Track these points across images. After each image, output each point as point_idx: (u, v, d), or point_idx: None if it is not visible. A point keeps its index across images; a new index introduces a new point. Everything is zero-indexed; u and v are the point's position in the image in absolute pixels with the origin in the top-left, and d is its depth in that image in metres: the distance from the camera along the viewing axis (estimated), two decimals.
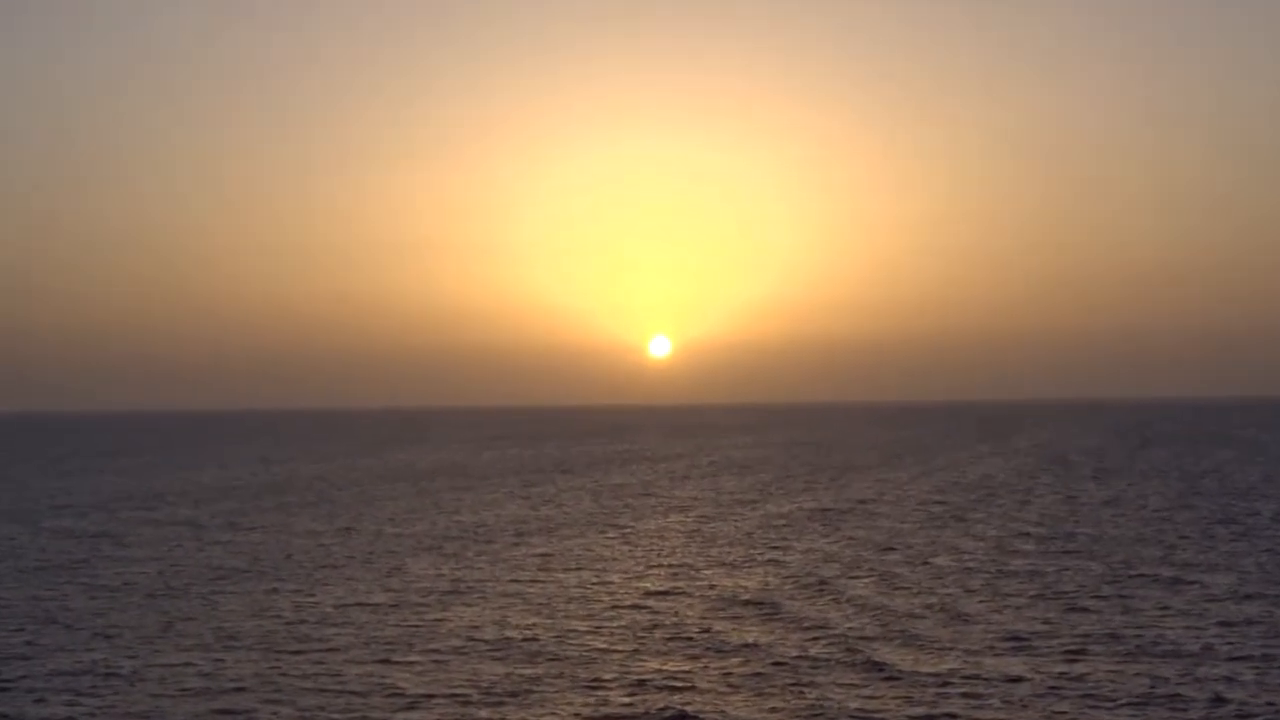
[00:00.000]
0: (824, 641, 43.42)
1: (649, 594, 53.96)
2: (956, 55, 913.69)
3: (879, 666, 39.55)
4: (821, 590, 54.41)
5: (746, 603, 51.35)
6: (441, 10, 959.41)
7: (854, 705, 35.31)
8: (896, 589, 54.60)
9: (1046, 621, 46.61)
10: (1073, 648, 42.08)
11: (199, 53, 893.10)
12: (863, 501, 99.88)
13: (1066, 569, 60.07)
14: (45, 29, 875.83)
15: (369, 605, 51.95)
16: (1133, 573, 58.58)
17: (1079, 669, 39.15)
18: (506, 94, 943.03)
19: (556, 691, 37.12)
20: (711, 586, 55.81)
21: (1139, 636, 43.84)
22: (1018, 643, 42.90)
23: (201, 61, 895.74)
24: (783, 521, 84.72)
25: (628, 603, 51.76)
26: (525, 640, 44.12)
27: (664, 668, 39.73)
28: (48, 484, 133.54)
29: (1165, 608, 49.39)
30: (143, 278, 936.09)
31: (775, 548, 69.84)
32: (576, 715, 34.57)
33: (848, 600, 51.78)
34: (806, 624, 46.62)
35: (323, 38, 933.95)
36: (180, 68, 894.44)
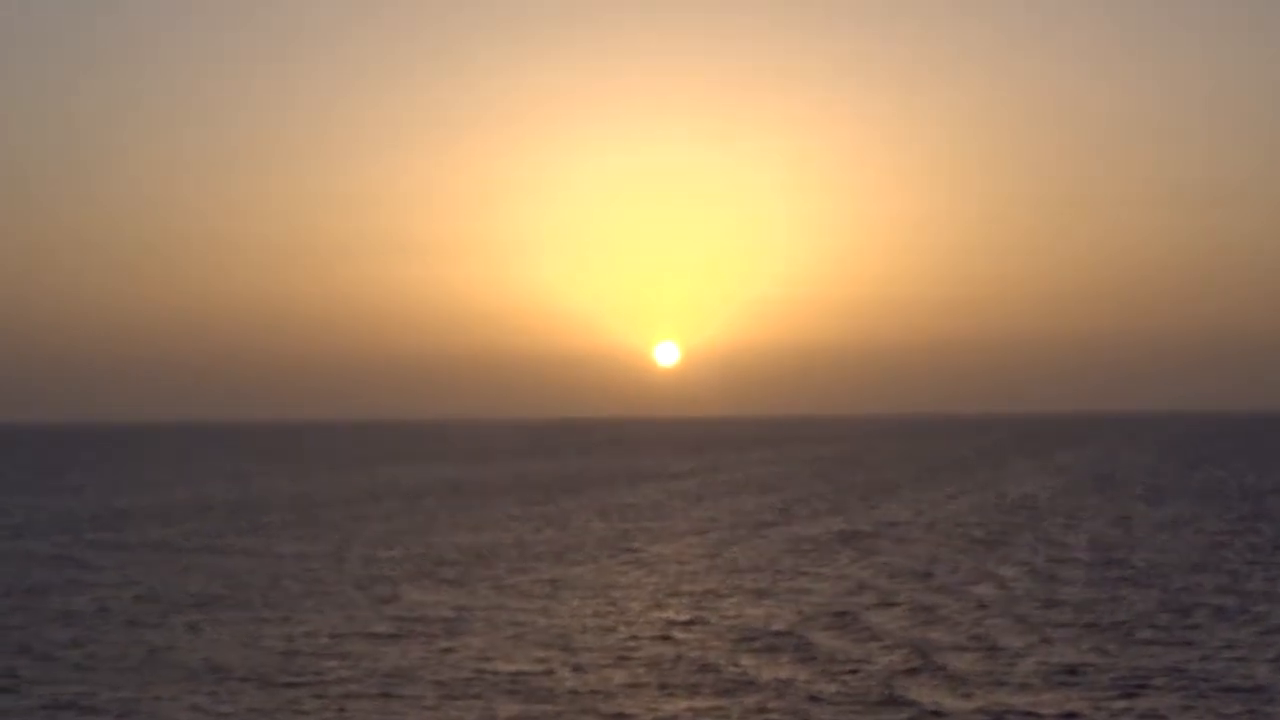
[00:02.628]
0: (862, 675, 44.16)
1: (671, 624, 54.71)
2: (964, 44, 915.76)
3: (924, 704, 40.28)
4: (856, 621, 55.15)
5: (776, 634, 52.08)
6: None
7: None
8: (936, 620, 55.34)
9: (1102, 654, 47.33)
10: (1132, 682, 42.82)
11: (181, 32, 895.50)
12: (894, 524, 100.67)
13: (1121, 598, 60.82)
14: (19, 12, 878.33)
15: (366, 635, 52.72)
16: (1194, 602, 59.31)
17: (1141, 704, 39.92)
18: (505, 83, 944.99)
19: None
20: (737, 616, 56.57)
21: (1203, 670, 44.57)
22: (1072, 677, 43.64)
23: (184, 40, 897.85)
24: (809, 545, 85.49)
25: (648, 634, 52.52)
26: (541, 673, 44.88)
27: (694, 704, 40.48)
28: None
29: (1230, 640, 50.10)
30: (109, 274, 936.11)
31: (803, 574, 70.61)
32: None
33: (884, 632, 52.50)
34: (841, 657, 47.36)
35: (321, 14, 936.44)
36: (162, 47, 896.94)
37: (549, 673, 45.04)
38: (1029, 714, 38.91)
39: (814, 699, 40.94)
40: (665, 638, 51.52)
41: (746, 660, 46.95)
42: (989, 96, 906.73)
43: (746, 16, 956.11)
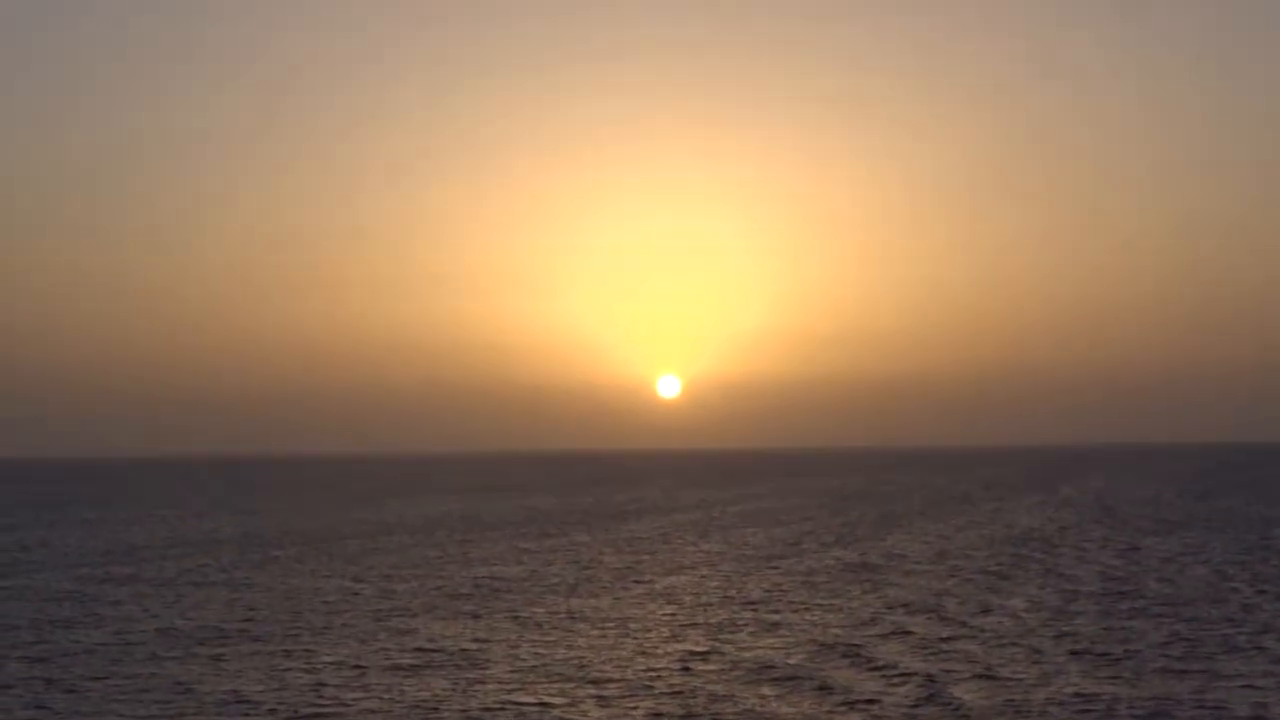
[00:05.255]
0: (881, 706, 44.78)
1: (689, 656, 55.29)
2: (940, 78, 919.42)
3: None
4: (871, 653, 55.74)
5: (793, 665, 52.70)
6: (476, 21, 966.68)
7: None
8: (950, 652, 55.90)
9: (1115, 685, 47.92)
10: (1146, 713, 43.42)
11: (207, 55, 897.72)
12: (903, 556, 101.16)
13: (1133, 629, 61.37)
14: (35, 33, 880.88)
15: (389, 667, 53.30)
16: (1205, 634, 59.85)
17: None
18: (522, 122, 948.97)
19: None
20: (753, 648, 57.15)
21: (1216, 701, 45.15)
22: (1087, 706, 44.25)
23: (210, 63, 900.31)
24: (821, 578, 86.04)
25: (667, 666, 53.10)
26: (565, 705, 45.50)
27: None
28: (2, 538, 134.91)
29: (1241, 671, 50.67)
30: (125, 306, 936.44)
31: (816, 606, 71.15)
32: None
33: (900, 664, 53.07)
34: (859, 689, 48.00)
35: (347, 43, 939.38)
36: (186, 71, 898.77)
37: (573, 704, 45.67)
38: None
39: None
40: (685, 669, 52.14)
41: (767, 691, 47.60)
42: (973, 127, 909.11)
43: (722, 49, 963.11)
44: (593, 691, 47.82)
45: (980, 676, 49.84)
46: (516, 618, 67.82)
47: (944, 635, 60.23)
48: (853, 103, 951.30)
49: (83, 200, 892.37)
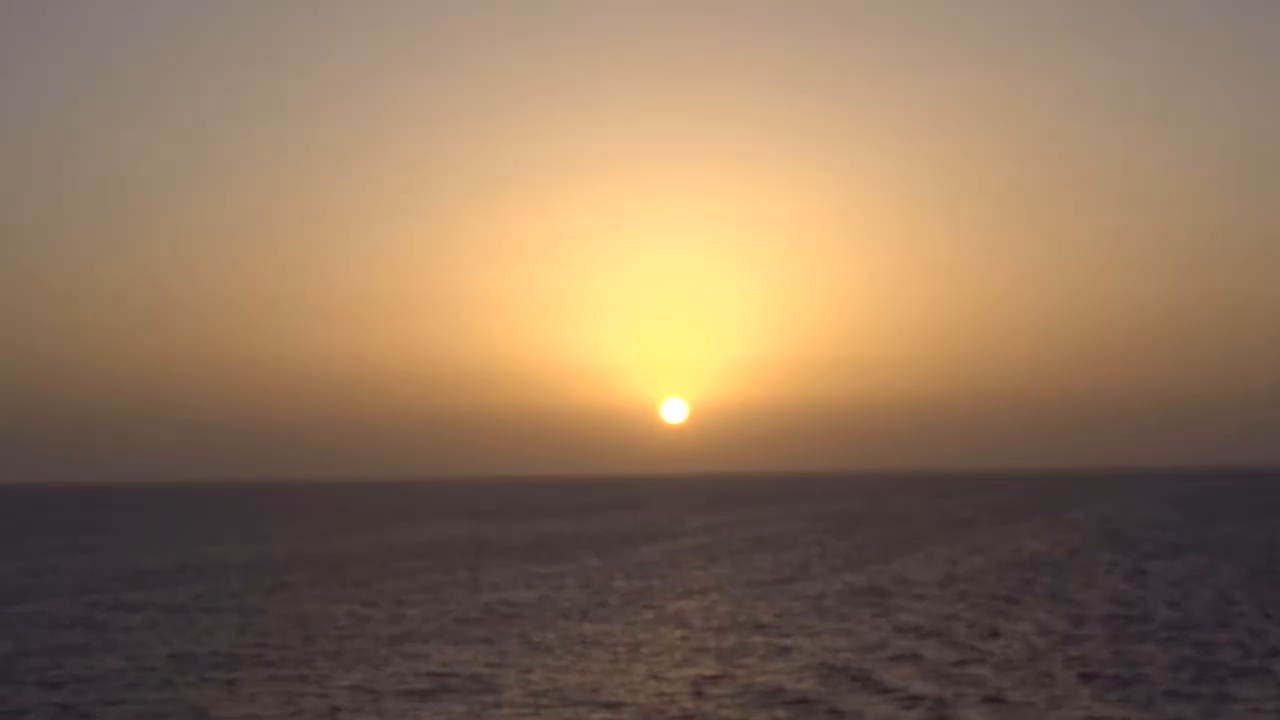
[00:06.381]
0: None
1: (701, 680, 55.54)
2: (925, 103, 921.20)
3: None
4: (880, 678, 55.97)
5: (804, 690, 52.95)
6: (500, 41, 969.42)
7: None
8: (959, 677, 56.10)
9: (1125, 711, 48.15)
10: None
11: (241, 81, 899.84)
12: (911, 580, 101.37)
13: (1141, 654, 61.57)
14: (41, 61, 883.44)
15: (404, 692, 53.56)
16: (1214, 659, 60.06)
17: None
18: (527, 144, 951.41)
19: None
20: (764, 673, 57.41)
21: None
22: None
23: (243, 90, 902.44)
24: (832, 602, 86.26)
25: (680, 691, 53.36)
26: None
27: None
28: (11, 565, 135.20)
29: (1250, 697, 50.88)
30: (141, 329, 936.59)
31: (824, 631, 71.41)
32: None
33: (908, 689, 53.28)
34: (869, 714, 48.28)
35: (354, 68, 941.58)
36: (220, 96, 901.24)
37: None
38: None
39: None
40: (697, 693, 52.41)
41: (778, 714, 47.88)
42: (962, 151, 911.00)
43: (713, 80, 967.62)
44: (605, 716, 48.09)
45: (990, 700, 50.09)
46: (528, 642, 68.09)
47: (953, 659, 60.46)
48: (852, 126, 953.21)
49: (102, 222, 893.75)
